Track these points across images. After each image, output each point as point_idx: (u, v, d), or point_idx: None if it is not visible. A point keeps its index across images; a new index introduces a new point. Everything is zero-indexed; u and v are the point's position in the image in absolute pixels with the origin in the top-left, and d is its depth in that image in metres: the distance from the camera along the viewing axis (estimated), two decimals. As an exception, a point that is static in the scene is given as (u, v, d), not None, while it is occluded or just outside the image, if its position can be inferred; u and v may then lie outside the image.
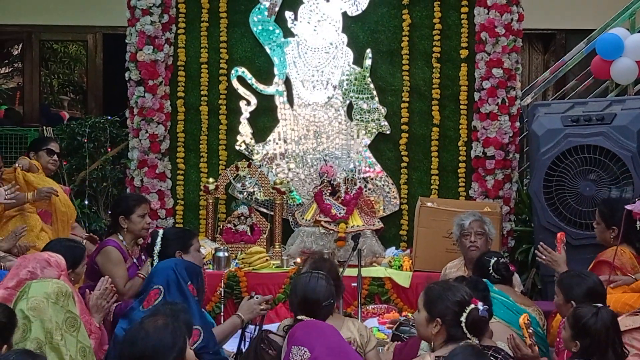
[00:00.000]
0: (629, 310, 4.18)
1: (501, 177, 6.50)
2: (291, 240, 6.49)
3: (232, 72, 6.85)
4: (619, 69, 6.60)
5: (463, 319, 3.20)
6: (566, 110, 5.92)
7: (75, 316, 3.37)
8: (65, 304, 3.34)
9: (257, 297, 4.28)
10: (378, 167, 6.79)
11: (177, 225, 6.68)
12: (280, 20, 6.83)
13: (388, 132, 6.78)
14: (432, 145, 6.75)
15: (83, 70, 11.16)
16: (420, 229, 6.02)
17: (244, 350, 4.13)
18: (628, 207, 4.52)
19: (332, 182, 6.44)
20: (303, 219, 6.42)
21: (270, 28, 6.83)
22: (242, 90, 6.85)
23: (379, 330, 5.11)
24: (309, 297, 3.64)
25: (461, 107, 6.70)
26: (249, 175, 6.57)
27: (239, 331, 4.21)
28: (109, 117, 7.81)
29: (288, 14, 6.81)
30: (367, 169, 6.78)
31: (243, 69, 6.85)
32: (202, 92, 6.86)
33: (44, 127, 8.20)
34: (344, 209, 6.28)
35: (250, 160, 6.74)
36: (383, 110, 6.78)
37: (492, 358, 3.17)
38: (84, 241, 5.35)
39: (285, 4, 6.81)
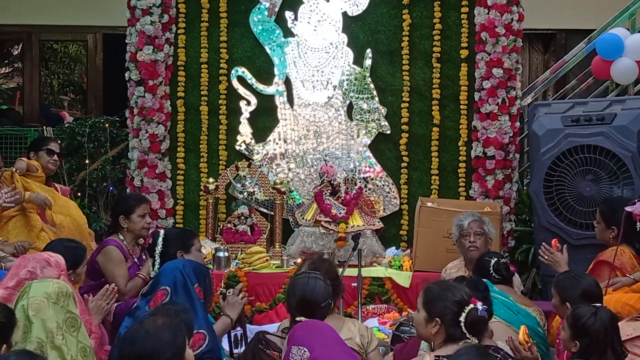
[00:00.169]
0: (629, 310, 4.18)
1: (501, 177, 6.50)
2: (291, 240, 6.49)
3: (232, 72, 6.85)
4: (619, 69, 6.60)
5: (462, 318, 3.20)
6: (566, 110, 5.92)
7: (75, 316, 3.36)
8: (65, 304, 3.34)
9: (229, 292, 4.28)
10: (378, 167, 6.79)
11: (177, 225, 6.68)
12: (280, 20, 6.83)
13: (388, 132, 6.78)
14: (432, 145, 6.75)
15: (83, 70, 11.16)
16: (420, 229, 6.02)
17: (235, 350, 4.15)
18: (628, 208, 4.52)
19: (332, 182, 6.44)
20: (303, 219, 6.42)
21: (271, 28, 6.83)
22: (242, 90, 6.85)
23: (379, 330, 5.12)
24: (307, 298, 3.63)
25: (461, 107, 6.70)
26: (249, 175, 6.57)
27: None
28: (109, 117, 7.80)
29: (288, 14, 6.81)
30: (367, 169, 6.78)
31: (243, 69, 6.85)
32: (202, 92, 6.86)
33: (44, 127, 8.20)
34: (344, 209, 6.28)
35: (251, 160, 6.74)
36: (383, 110, 6.78)
37: (491, 358, 3.17)
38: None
39: (286, 4, 6.82)
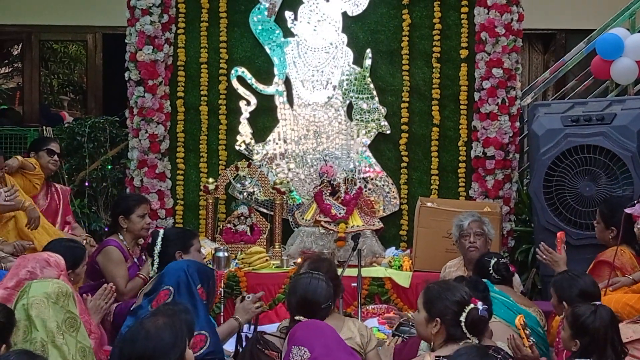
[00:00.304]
0: (629, 311, 4.18)
1: (501, 177, 6.50)
2: (291, 240, 6.49)
3: (232, 72, 6.85)
4: (619, 69, 6.60)
5: (462, 318, 3.20)
6: (566, 110, 5.92)
7: (75, 316, 3.36)
8: (65, 304, 3.34)
9: (249, 297, 4.27)
10: (378, 167, 6.79)
11: (176, 225, 6.68)
12: (280, 20, 6.83)
13: (388, 132, 6.78)
14: (432, 145, 6.75)
15: (83, 70, 11.15)
16: (420, 229, 6.02)
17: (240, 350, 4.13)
18: (627, 210, 4.52)
19: (332, 182, 6.43)
20: (303, 219, 6.42)
21: (270, 28, 6.83)
22: (242, 90, 6.85)
23: (378, 330, 5.12)
24: (308, 299, 3.63)
25: (461, 107, 6.70)
26: (249, 176, 6.56)
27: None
28: (109, 117, 7.80)
29: (288, 14, 6.81)
30: (367, 169, 6.78)
31: (243, 69, 6.85)
32: (201, 92, 6.85)
33: (44, 127, 8.19)
34: (343, 209, 6.28)
35: (250, 160, 6.74)
36: (383, 110, 6.78)
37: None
38: (84, 241, 5.34)
39: (285, 4, 6.81)
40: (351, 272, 5.25)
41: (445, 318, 3.22)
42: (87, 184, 7.19)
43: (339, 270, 4.88)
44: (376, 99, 6.79)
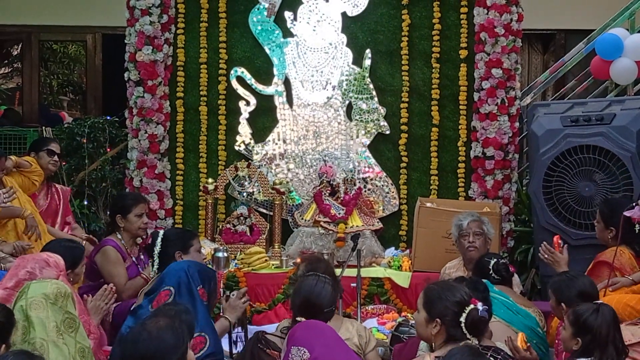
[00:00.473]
0: (630, 312, 4.18)
1: (500, 177, 6.50)
2: (290, 240, 6.48)
3: (232, 72, 6.85)
4: (619, 69, 6.59)
5: (462, 319, 3.20)
6: (565, 111, 5.92)
7: (73, 317, 3.36)
8: (64, 304, 3.34)
9: (233, 294, 4.26)
10: (377, 168, 6.79)
11: (176, 225, 6.68)
12: (279, 21, 6.83)
13: (387, 133, 6.78)
14: (431, 145, 6.75)
15: (82, 70, 11.15)
16: (419, 229, 6.02)
17: (234, 351, 4.13)
18: (626, 213, 4.51)
19: (331, 182, 6.44)
20: (302, 219, 6.42)
21: (270, 28, 6.83)
22: (241, 90, 6.85)
23: (378, 330, 5.11)
24: (312, 301, 3.62)
25: (460, 107, 6.70)
26: (249, 176, 6.56)
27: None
28: (108, 118, 7.80)
29: (287, 14, 6.80)
30: (367, 169, 6.78)
31: (242, 69, 6.85)
32: (201, 93, 6.85)
33: (43, 128, 8.19)
34: (343, 210, 6.28)
35: (250, 161, 6.74)
36: (382, 111, 6.78)
37: (491, 358, 3.17)
38: (84, 242, 5.33)
39: (285, 4, 6.81)
40: (350, 272, 5.25)
41: (445, 319, 3.21)
42: (86, 184, 7.19)
43: (339, 271, 4.89)
44: (375, 99, 6.78)
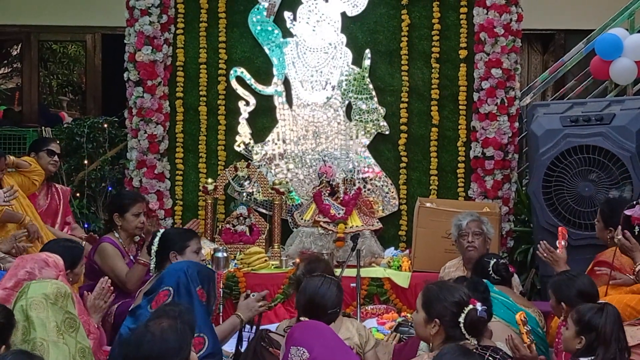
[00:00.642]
0: (630, 312, 4.18)
1: (500, 177, 6.50)
2: (290, 240, 6.48)
3: (231, 72, 6.85)
4: (618, 69, 6.59)
5: (461, 319, 3.20)
6: (565, 111, 5.92)
7: (74, 317, 3.36)
8: (64, 304, 3.34)
9: (253, 295, 4.25)
10: (377, 168, 6.79)
11: (175, 226, 6.67)
12: (279, 21, 6.83)
13: (387, 133, 6.78)
14: (431, 145, 6.75)
15: (82, 70, 11.15)
16: (419, 229, 6.02)
17: (242, 350, 4.12)
18: (627, 212, 4.50)
19: (331, 182, 6.44)
20: (302, 219, 6.42)
21: (269, 28, 6.83)
22: (241, 90, 6.85)
23: (377, 330, 5.11)
24: (316, 302, 3.60)
25: (460, 107, 6.70)
26: (248, 176, 6.56)
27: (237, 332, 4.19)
28: (108, 118, 7.80)
29: (287, 14, 6.80)
30: (366, 169, 6.78)
31: (242, 69, 6.84)
32: (201, 93, 6.85)
33: (43, 128, 8.19)
34: (343, 210, 6.28)
35: (249, 161, 6.73)
36: (382, 111, 6.78)
37: (490, 358, 3.17)
38: (84, 242, 5.33)
39: (284, 4, 6.81)
40: (350, 272, 5.25)
41: (444, 319, 3.21)
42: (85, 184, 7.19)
43: (338, 271, 4.89)
44: (375, 99, 6.78)
